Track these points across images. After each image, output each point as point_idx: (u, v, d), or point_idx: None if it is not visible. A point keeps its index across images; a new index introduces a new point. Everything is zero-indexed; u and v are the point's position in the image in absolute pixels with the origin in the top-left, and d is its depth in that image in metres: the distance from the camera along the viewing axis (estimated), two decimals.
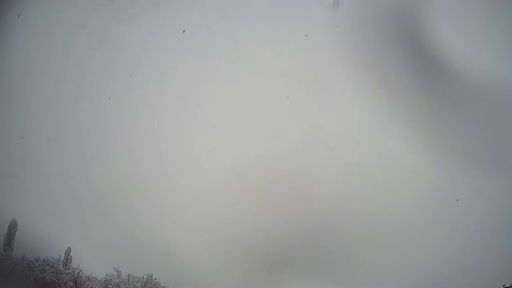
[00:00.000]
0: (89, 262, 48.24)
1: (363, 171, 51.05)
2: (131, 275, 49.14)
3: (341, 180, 50.56)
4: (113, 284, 48.46)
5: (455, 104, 50.70)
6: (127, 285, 48.45)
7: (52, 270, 47.13)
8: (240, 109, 52.54)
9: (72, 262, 48.61)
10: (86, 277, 48.21)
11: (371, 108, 51.25)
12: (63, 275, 47.43)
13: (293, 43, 53.38)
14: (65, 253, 48.69)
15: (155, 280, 49.44)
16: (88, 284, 47.94)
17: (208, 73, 53.00)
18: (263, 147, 51.08)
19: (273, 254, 50.21)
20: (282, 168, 50.88)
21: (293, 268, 50.38)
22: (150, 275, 49.42)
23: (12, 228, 48.46)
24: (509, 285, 46.78)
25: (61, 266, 48.02)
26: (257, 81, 52.82)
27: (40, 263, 47.31)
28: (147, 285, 49.02)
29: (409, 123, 51.03)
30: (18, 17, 50.40)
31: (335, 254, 50.30)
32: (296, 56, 53.25)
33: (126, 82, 53.05)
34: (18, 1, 53.82)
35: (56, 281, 46.89)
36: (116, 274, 48.98)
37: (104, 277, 48.79)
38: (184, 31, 49.63)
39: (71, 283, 47.47)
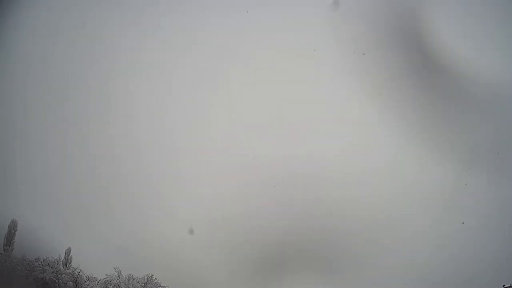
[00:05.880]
0: (89, 262, 48.21)
1: (365, 172, 51.06)
2: (131, 275, 49.08)
3: (343, 181, 50.57)
4: (113, 284, 48.44)
5: (458, 105, 50.83)
6: (127, 286, 48.41)
7: (52, 270, 47.15)
8: (244, 109, 52.59)
9: (72, 262, 48.59)
10: (86, 277, 48.20)
11: (374, 109, 51.34)
12: (63, 275, 47.43)
13: (294, 44, 53.43)
14: (65, 253, 48.68)
15: (155, 281, 49.39)
16: (88, 284, 47.93)
17: (210, 72, 53.07)
18: (265, 147, 51.10)
19: (275, 254, 50.23)
20: (284, 168, 50.92)
21: (294, 268, 50.42)
22: (150, 275, 49.38)
23: (12, 228, 48.47)
24: (509, 285, 46.83)
25: (61, 266, 48.03)
26: (259, 81, 52.91)
27: (40, 263, 47.34)
28: (147, 285, 49.00)
29: (412, 124, 51.13)
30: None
31: (334, 254, 50.33)
32: (297, 57, 53.30)
33: (128, 83, 53.15)
34: (18, 1, 53.90)
35: (56, 281, 46.88)
36: (116, 274, 48.94)
37: (104, 277, 48.78)
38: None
39: (71, 283, 47.47)
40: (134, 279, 49.00)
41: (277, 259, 50.61)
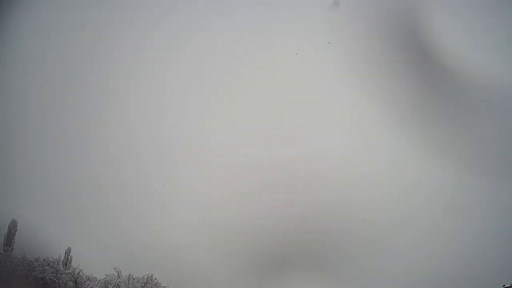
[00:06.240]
0: (89, 262, 48.20)
1: (365, 172, 51.06)
2: (131, 275, 49.05)
3: (343, 181, 50.55)
4: (113, 284, 48.38)
5: (458, 105, 50.87)
6: (127, 286, 48.39)
7: (52, 270, 47.09)
8: (244, 109, 52.61)
9: (72, 262, 48.57)
10: (86, 277, 48.15)
11: (374, 109, 51.36)
12: (63, 275, 47.39)
13: (294, 44, 53.45)
14: (65, 253, 48.64)
15: (155, 281, 49.35)
16: (88, 284, 47.89)
17: (209, 73, 53.11)
18: (266, 147, 51.08)
19: (275, 254, 50.22)
20: (285, 169, 50.90)
21: (294, 268, 50.42)
22: (150, 275, 49.34)
23: (12, 228, 48.45)
24: (509, 285, 46.84)
25: (61, 266, 47.98)
26: (259, 81, 52.93)
27: (40, 263, 47.28)
28: (147, 285, 48.95)
29: (412, 124, 51.16)
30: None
31: (335, 255, 50.32)
32: (297, 57, 53.32)
33: (128, 83, 53.17)
34: (18, 1, 53.94)
35: (56, 281, 46.85)
36: (116, 274, 48.91)
37: (104, 277, 48.71)
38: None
39: (71, 283, 47.43)
40: (134, 279, 48.94)
41: (277, 260, 50.59)
